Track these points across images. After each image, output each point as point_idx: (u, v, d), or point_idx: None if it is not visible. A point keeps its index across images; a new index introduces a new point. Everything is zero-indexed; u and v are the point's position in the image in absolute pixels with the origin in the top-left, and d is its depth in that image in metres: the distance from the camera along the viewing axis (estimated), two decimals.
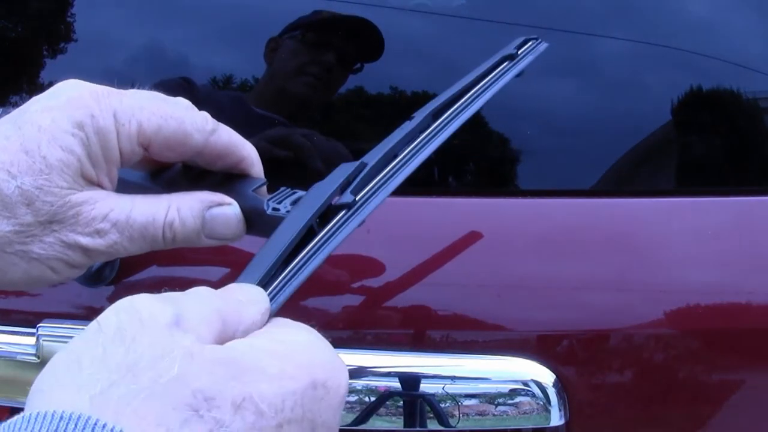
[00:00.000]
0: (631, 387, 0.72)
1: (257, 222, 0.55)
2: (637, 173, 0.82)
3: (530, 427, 0.70)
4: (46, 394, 0.36)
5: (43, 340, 0.72)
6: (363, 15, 0.82)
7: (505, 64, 0.64)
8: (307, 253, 0.50)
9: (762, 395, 0.74)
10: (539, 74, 0.83)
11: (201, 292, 0.43)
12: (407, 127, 0.58)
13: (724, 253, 0.75)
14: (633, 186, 0.82)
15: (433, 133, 0.59)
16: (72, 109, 0.48)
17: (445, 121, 0.59)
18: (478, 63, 0.83)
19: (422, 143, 0.58)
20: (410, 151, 0.57)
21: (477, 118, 0.81)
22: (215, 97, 0.83)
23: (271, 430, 0.37)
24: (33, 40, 0.93)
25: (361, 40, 0.82)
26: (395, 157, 0.56)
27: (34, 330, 0.73)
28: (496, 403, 0.69)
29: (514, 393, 0.69)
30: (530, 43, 0.66)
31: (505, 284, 0.72)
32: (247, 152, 0.55)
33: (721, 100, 0.83)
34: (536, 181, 0.80)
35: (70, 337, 0.73)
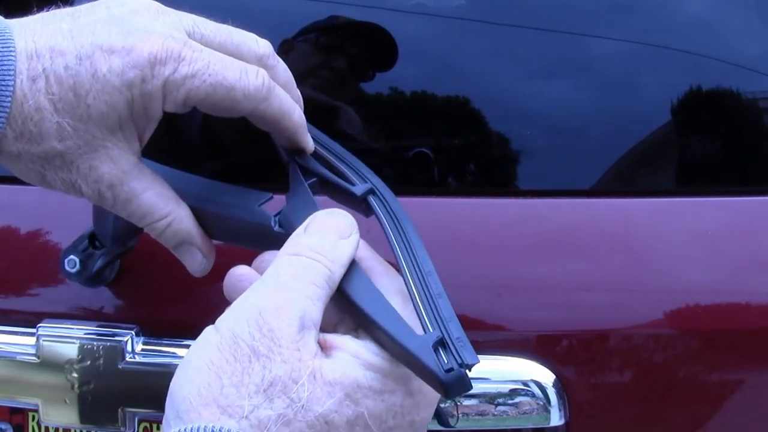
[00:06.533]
0: (631, 387, 0.72)
1: (262, 237, 0.55)
2: (637, 173, 0.82)
3: (530, 427, 0.70)
4: (194, 408, 0.41)
5: (43, 340, 0.72)
6: (361, 15, 0.82)
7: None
8: (402, 243, 0.52)
9: (762, 395, 0.74)
10: (539, 74, 0.83)
11: (307, 263, 0.47)
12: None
13: (724, 253, 0.75)
14: (633, 186, 0.82)
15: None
16: (129, 66, 0.49)
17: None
18: (478, 63, 0.83)
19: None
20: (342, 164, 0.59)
21: (477, 118, 0.81)
22: None
23: None
24: None
25: (375, 47, 0.82)
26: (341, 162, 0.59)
27: (34, 330, 0.73)
28: (496, 403, 0.69)
29: (514, 393, 0.69)
30: None
31: (505, 284, 0.72)
32: (293, 123, 0.56)
33: (721, 100, 0.83)
34: (536, 181, 0.80)
35: (70, 337, 0.73)
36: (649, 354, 0.72)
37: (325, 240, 0.49)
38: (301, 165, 0.58)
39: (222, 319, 0.45)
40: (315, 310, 0.45)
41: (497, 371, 0.69)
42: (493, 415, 0.69)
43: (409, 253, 0.51)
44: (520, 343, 0.71)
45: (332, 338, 0.46)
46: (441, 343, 0.45)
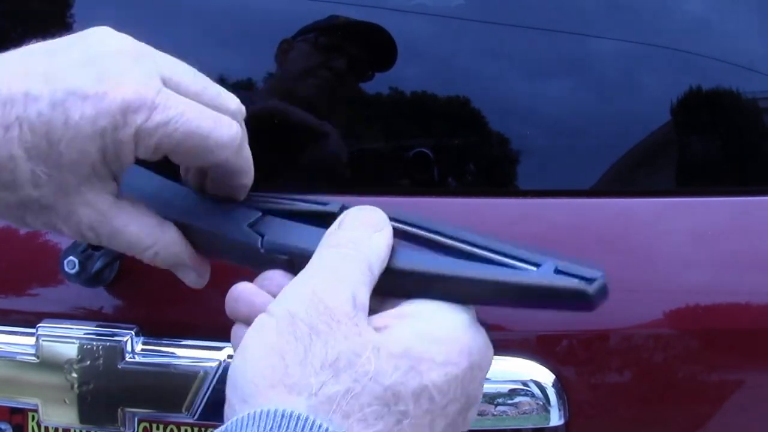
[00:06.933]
0: (631, 387, 0.72)
1: (251, 257, 0.55)
2: (637, 173, 0.82)
3: (530, 427, 0.70)
4: (260, 391, 0.41)
5: (43, 340, 0.72)
6: (361, 15, 0.82)
7: None
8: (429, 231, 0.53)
9: (762, 395, 0.74)
10: (539, 74, 0.83)
11: (348, 253, 0.47)
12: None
13: (724, 254, 0.75)
14: (632, 186, 0.82)
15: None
16: (101, 114, 0.49)
17: None
18: (478, 63, 0.83)
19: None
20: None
21: (477, 118, 0.81)
22: None
23: (439, 411, 0.44)
24: (33, 40, 0.93)
25: (374, 47, 0.82)
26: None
27: (33, 330, 0.73)
28: (495, 403, 0.69)
29: (513, 393, 0.69)
30: None
31: None
32: (248, 180, 0.57)
33: (721, 100, 0.83)
34: (536, 181, 0.80)
35: (70, 337, 0.73)
36: (649, 354, 0.72)
37: (360, 233, 0.49)
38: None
39: (275, 304, 0.45)
40: (364, 293, 0.45)
41: (497, 371, 0.69)
42: (493, 415, 0.69)
43: (446, 234, 0.51)
44: (519, 343, 0.71)
45: (386, 316, 0.47)
46: (557, 271, 0.45)
